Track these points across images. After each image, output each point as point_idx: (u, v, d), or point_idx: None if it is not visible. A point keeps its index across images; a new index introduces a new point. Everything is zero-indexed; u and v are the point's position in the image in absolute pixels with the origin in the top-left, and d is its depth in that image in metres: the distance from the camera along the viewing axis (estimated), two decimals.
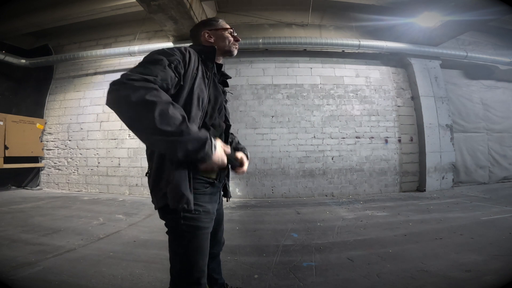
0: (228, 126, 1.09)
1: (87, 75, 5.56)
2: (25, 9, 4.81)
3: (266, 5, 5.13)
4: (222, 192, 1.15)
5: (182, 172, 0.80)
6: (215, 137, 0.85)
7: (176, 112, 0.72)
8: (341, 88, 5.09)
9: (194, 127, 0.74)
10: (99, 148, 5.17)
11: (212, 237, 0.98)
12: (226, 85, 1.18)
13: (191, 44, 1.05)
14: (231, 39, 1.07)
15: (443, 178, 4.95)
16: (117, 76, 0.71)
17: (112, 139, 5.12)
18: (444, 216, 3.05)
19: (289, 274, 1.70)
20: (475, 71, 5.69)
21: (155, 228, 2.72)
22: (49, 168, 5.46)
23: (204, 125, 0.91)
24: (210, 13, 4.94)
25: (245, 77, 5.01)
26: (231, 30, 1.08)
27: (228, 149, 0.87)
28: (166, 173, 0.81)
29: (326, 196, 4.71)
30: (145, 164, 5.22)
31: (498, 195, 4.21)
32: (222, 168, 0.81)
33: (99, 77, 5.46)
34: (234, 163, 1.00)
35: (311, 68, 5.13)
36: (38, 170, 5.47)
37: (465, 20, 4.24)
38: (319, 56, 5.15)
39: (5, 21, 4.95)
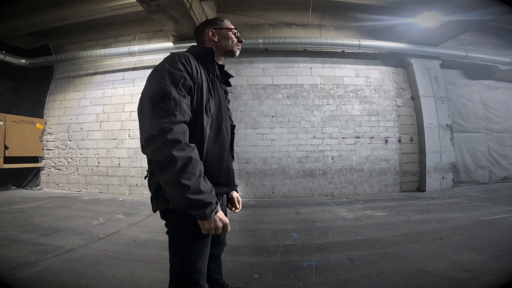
0: (233, 127, 1.13)
1: (87, 75, 5.56)
2: (25, 9, 4.81)
3: (266, 5, 5.13)
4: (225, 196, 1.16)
5: None
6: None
7: (196, 168, 0.76)
8: (341, 88, 5.09)
9: (206, 186, 0.78)
10: (99, 148, 5.17)
11: (213, 238, 0.98)
12: (229, 84, 1.18)
13: (189, 46, 1.05)
14: (235, 39, 1.07)
15: (443, 178, 4.95)
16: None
17: (112, 139, 5.12)
18: (444, 216, 3.05)
19: (289, 274, 1.70)
20: (475, 71, 5.69)
21: (155, 228, 2.72)
22: (49, 168, 5.46)
23: (214, 131, 0.94)
24: (210, 13, 4.94)
25: (245, 77, 5.01)
26: (235, 31, 1.08)
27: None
28: None
29: (326, 196, 4.71)
30: (145, 164, 5.22)
31: (498, 195, 4.21)
32: (224, 230, 0.83)
33: (99, 77, 5.46)
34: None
35: (311, 68, 5.13)
36: (38, 170, 5.47)
37: (465, 20, 4.23)
38: (319, 56, 5.15)
39: (5, 21, 4.96)
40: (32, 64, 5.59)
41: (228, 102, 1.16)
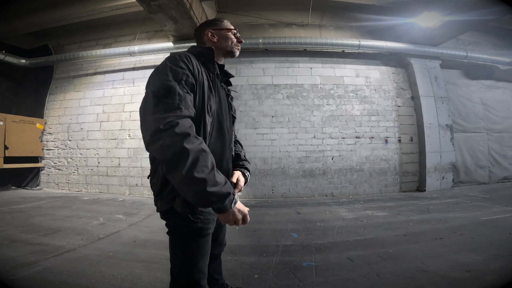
0: (234, 118, 1.16)
1: (87, 75, 5.56)
2: (25, 9, 4.81)
3: (266, 5, 5.13)
4: None
5: None
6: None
7: (208, 160, 0.73)
8: (341, 88, 5.09)
9: (220, 177, 0.75)
10: (99, 148, 5.17)
11: (214, 238, 0.98)
12: (230, 84, 1.18)
13: (190, 47, 1.05)
14: (234, 40, 1.07)
15: (443, 178, 4.95)
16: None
17: (112, 139, 5.12)
18: (444, 216, 3.05)
19: (289, 274, 1.70)
20: (475, 71, 5.69)
21: (155, 228, 2.72)
22: (49, 168, 5.46)
23: (216, 130, 0.94)
24: (210, 13, 4.94)
25: (245, 77, 5.01)
26: (235, 31, 1.08)
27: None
28: None
29: (326, 196, 4.71)
30: (145, 164, 5.23)
31: (498, 195, 4.21)
32: (244, 222, 0.82)
33: (99, 77, 5.46)
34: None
35: (311, 68, 5.13)
36: (38, 170, 5.47)
37: (465, 20, 4.23)
38: (319, 56, 5.15)
39: (5, 21, 4.95)
40: (32, 64, 5.59)
41: (231, 99, 1.16)
